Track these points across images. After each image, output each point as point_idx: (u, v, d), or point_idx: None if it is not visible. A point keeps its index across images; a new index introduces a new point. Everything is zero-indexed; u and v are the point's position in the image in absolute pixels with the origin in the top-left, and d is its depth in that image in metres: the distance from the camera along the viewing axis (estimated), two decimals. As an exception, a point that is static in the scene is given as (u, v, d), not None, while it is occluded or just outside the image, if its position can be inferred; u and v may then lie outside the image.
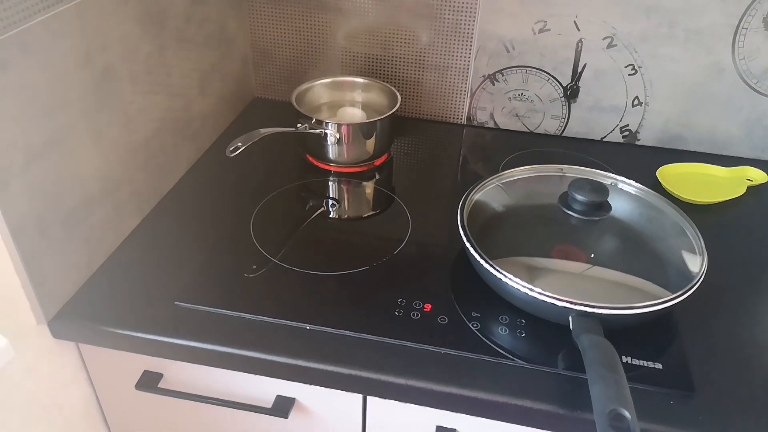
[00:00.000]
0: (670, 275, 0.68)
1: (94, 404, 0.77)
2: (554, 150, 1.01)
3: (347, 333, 0.65)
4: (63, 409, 0.71)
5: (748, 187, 0.91)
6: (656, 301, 0.61)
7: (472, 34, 0.98)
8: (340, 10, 1.01)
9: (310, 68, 1.08)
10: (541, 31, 0.96)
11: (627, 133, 1.02)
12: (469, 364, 0.63)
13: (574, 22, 0.94)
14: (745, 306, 0.71)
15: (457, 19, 0.97)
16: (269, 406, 0.69)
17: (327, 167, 0.94)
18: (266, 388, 0.69)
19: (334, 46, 1.05)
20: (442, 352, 0.64)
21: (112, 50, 0.70)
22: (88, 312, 0.68)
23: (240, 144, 0.78)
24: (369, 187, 0.91)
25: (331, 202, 0.88)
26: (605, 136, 1.03)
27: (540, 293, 0.63)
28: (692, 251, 0.70)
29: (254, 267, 0.74)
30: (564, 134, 1.05)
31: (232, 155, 0.77)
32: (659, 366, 0.63)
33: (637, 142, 1.03)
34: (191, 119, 0.90)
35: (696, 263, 0.68)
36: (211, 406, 0.71)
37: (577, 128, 1.04)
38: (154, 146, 0.81)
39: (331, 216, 0.85)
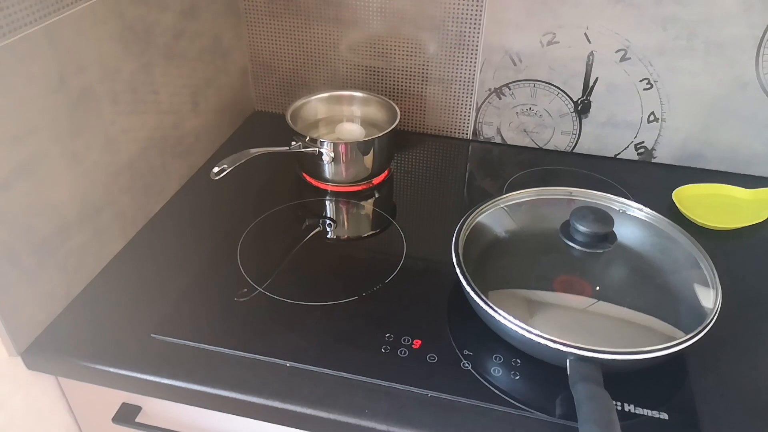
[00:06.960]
0: (680, 312, 0.63)
1: (76, 433, 0.75)
2: (564, 168, 0.96)
3: (329, 372, 0.61)
4: (40, 441, 0.69)
5: (772, 211, 0.85)
6: (661, 346, 0.56)
7: (477, 46, 0.93)
8: (341, 22, 0.97)
9: (310, 80, 1.05)
10: (549, 43, 0.90)
11: (642, 150, 0.96)
12: (457, 409, 0.58)
13: (585, 34, 0.88)
14: (764, 346, 0.65)
15: (460, 31, 0.93)
16: (249, 444, 0.65)
17: (323, 186, 0.90)
18: (249, 426, 0.65)
19: (335, 58, 1.01)
20: (429, 395, 0.59)
21: (90, 71, 0.67)
22: (62, 344, 0.65)
23: (226, 166, 0.75)
24: (365, 208, 0.87)
25: (324, 224, 0.84)
26: (619, 153, 0.98)
27: (535, 334, 0.58)
28: (706, 285, 0.64)
29: (240, 294, 0.70)
30: (575, 150, 0.99)
31: (217, 178, 0.74)
32: (665, 416, 0.58)
33: (654, 160, 0.97)
34: (183, 136, 0.87)
35: (709, 299, 0.62)
36: (191, 442, 0.68)
37: (588, 145, 0.98)
38: (141, 166, 0.78)
39: (323, 240, 0.81)
